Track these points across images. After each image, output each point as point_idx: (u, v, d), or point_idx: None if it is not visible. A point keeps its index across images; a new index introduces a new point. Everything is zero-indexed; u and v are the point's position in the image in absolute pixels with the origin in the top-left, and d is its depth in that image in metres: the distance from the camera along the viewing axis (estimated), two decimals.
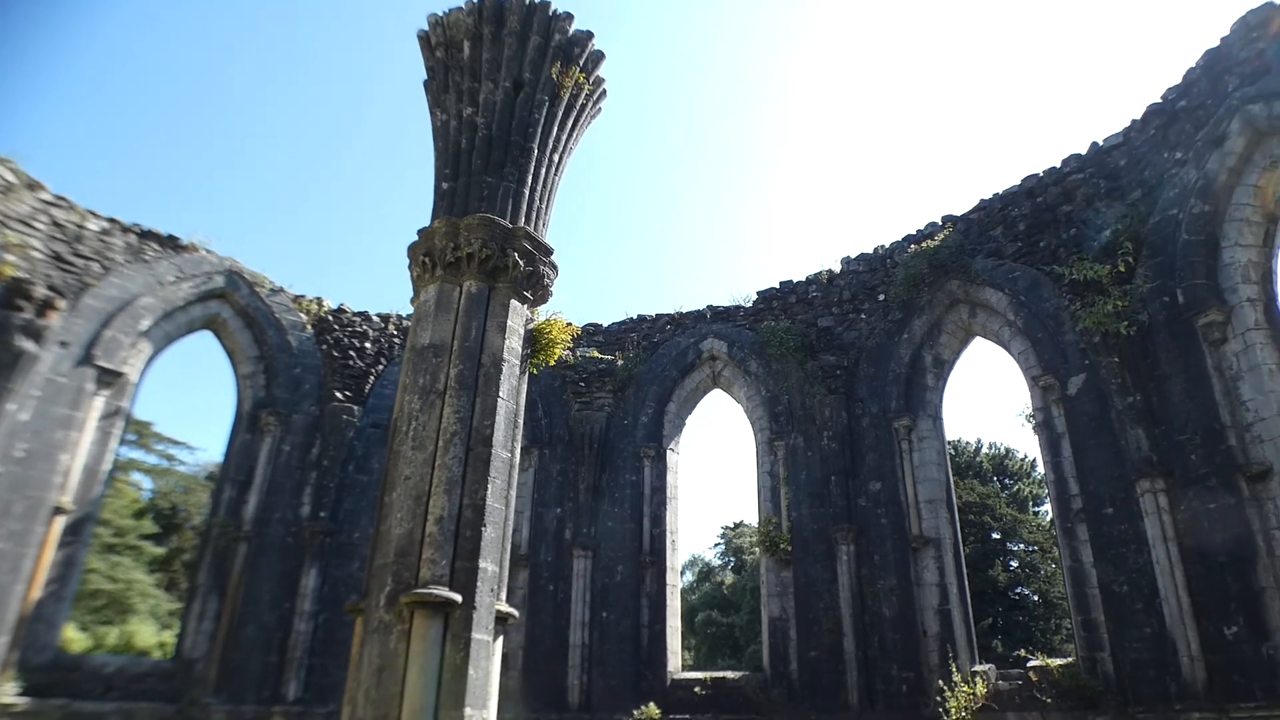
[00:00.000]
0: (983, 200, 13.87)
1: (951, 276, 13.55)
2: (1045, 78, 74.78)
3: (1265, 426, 9.64)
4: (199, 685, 12.64)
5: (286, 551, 14.03)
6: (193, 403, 51.28)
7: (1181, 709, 9.37)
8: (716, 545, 41.43)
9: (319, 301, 16.21)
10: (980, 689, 10.98)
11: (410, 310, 7.29)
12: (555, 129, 7.54)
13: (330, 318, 16.05)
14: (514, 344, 6.76)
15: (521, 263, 6.84)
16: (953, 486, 13.66)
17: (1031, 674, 11.10)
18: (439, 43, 7.54)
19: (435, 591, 5.46)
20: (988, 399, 59.80)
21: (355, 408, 15.23)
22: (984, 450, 33.24)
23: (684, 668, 14.79)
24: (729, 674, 13.93)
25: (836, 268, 15.49)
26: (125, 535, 20.59)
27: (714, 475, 65.53)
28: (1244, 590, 9.30)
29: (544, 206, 7.44)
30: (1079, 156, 12.81)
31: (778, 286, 15.95)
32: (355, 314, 16.43)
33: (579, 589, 14.32)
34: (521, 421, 6.91)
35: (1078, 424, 11.58)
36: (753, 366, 15.25)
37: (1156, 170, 11.68)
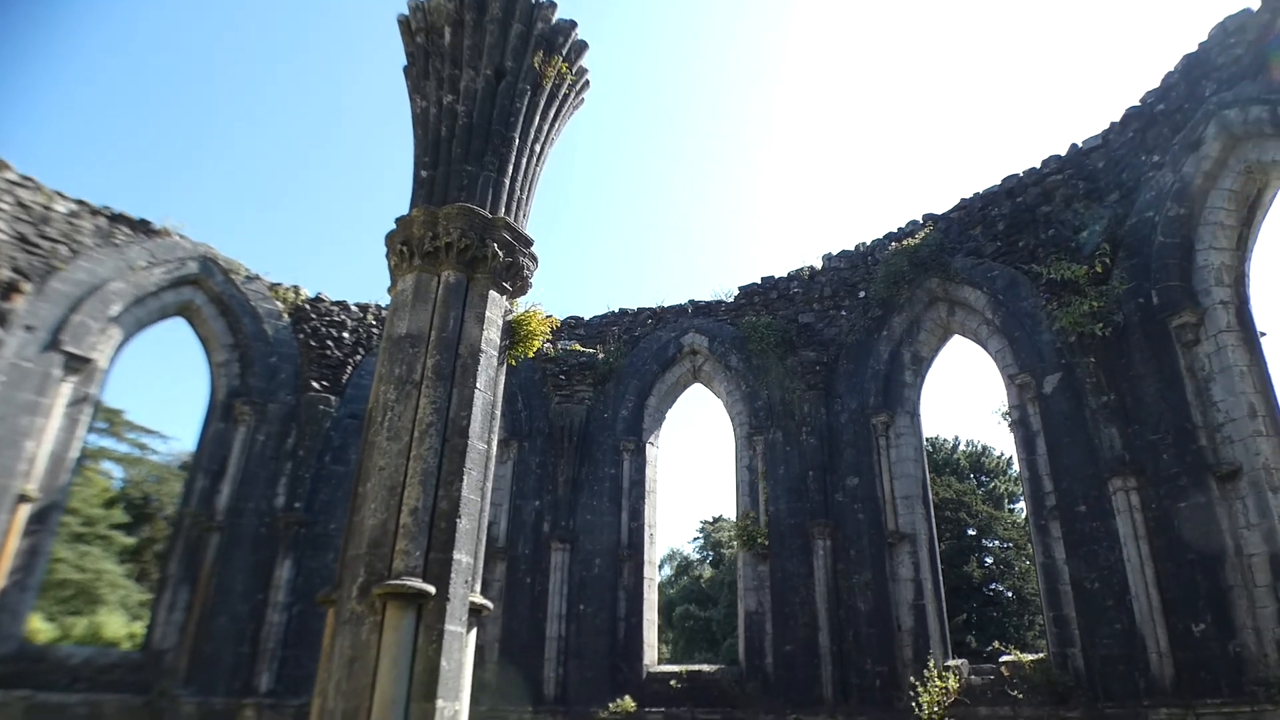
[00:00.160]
0: (963, 199, 13.96)
1: (931, 274, 13.63)
2: (1027, 79, 75.50)
3: (1235, 427, 9.79)
4: (168, 676, 12.48)
5: (260, 542, 13.87)
6: (166, 391, 50.55)
7: (1150, 704, 9.51)
8: (695, 539, 41.56)
9: (296, 290, 16.00)
10: (953, 684, 11.09)
11: (389, 300, 7.20)
12: (537, 118, 7.46)
13: (307, 306, 15.85)
14: (492, 335, 6.69)
15: (501, 253, 6.77)
16: (929, 483, 13.77)
17: (1004, 669, 11.22)
18: (420, 28, 7.43)
19: (408, 583, 5.41)
20: (966, 397, 60.45)
21: (332, 398, 15.08)
22: (961, 448, 33.58)
23: (660, 661, 14.83)
24: (704, 667, 13.97)
25: (818, 264, 15.53)
26: (95, 524, 20.25)
27: (694, 470, 65.74)
28: (1213, 588, 9.46)
29: (525, 197, 7.36)
30: (1059, 158, 12.93)
31: (759, 282, 15.98)
32: (333, 303, 16.24)
33: (556, 582, 14.29)
34: (499, 413, 6.85)
35: (1053, 422, 11.71)
36: (733, 361, 15.26)
37: (1134, 173, 11.81)
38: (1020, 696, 10.75)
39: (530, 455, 15.54)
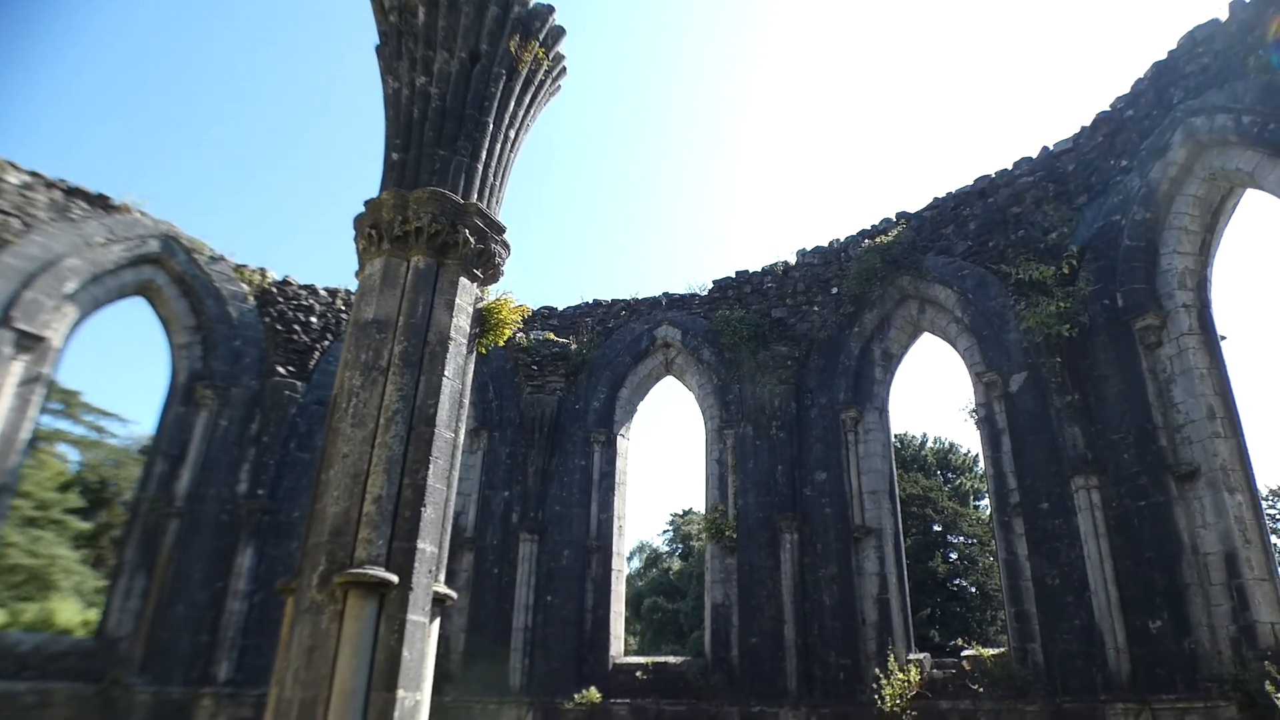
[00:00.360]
0: (936, 198, 14.08)
1: (903, 272, 13.73)
2: (1001, 81, 76.48)
3: (1195, 429, 10.00)
4: (123, 665, 12.19)
5: (221, 529, 13.60)
6: (125, 373, 49.36)
7: (1107, 699, 9.71)
8: (665, 532, 41.67)
9: (262, 272, 15.66)
10: (915, 677, 11.23)
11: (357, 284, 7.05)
12: (512, 104, 7.33)
13: (274, 289, 15.52)
14: (462, 322, 6.57)
15: (472, 240, 6.65)
16: (896, 478, 13.91)
17: (965, 663, 11.39)
18: (393, 6, 7.24)
19: (370, 571, 5.31)
20: (934, 394, 61.26)
21: (298, 383, 14.80)
22: (929, 444, 34.03)
23: (628, 652, 14.84)
24: (671, 659, 14.01)
25: (792, 259, 15.57)
26: (49, 509, 19.68)
27: (664, 462, 65.88)
28: (1169, 586, 9.66)
29: (498, 183, 7.24)
30: (1030, 160, 13.08)
31: (733, 276, 15.98)
32: (301, 287, 15.92)
33: (524, 573, 14.21)
34: (467, 402, 6.75)
35: (1018, 420, 11.87)
36: (706, 355, 15.26)
37: (1103, 176, 11.99)
38: (981, 690, 10.92)
39: (500, 445, 15.41)
